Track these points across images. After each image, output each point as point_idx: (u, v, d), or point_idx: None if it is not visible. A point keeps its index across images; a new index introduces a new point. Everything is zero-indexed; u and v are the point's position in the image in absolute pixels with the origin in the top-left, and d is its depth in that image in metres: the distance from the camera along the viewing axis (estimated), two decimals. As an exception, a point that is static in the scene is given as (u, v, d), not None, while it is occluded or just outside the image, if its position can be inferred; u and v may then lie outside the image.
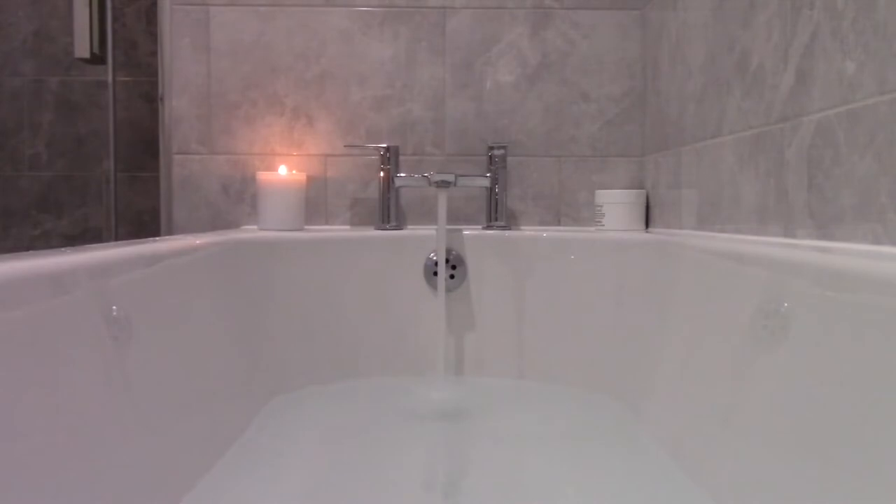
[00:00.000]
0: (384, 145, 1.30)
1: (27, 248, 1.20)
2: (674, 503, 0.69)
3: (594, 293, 1.14)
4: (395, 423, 0.96)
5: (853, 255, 0.60)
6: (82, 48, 1.51)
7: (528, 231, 1.29)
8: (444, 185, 1.16)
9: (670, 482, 0.72)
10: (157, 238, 0.96)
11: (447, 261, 1.20)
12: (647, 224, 1.32)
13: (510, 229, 1.29)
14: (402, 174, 1.27)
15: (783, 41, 0.82)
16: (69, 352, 0.55)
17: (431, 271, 1.20)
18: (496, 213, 1.30)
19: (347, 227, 1.38)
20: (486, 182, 1.27)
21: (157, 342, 0.72)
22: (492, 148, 1.30)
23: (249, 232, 1.21)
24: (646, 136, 1.37)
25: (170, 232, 1.37)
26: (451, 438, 0.93)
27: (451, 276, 1.20)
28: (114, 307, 0.63)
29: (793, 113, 0.80)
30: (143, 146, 1.69)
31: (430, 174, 1.17)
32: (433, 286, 1.19)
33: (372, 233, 1.26)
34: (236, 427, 0.88)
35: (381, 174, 1.30)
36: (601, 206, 1.31)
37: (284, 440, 0.87)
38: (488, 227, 1.30)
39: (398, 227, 1.31)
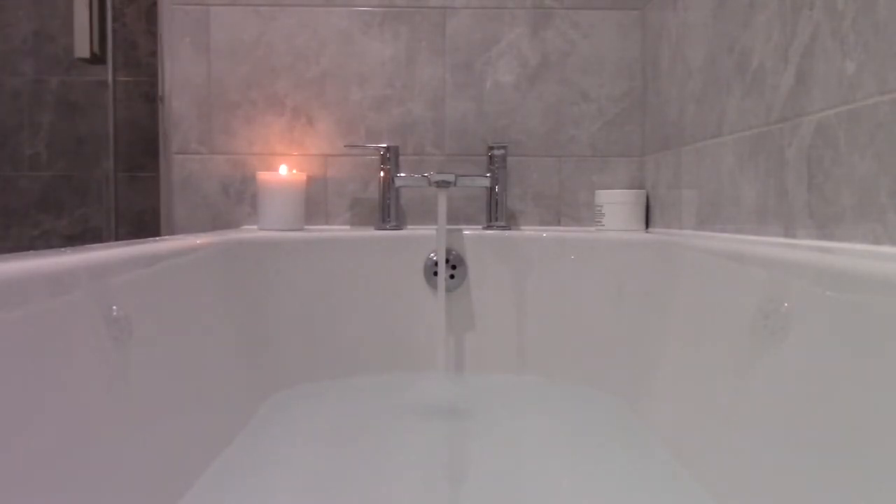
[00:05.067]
0: (384, 145, 1.30)
1: (27, 248, 1.20)
2: (674, 501, 0.69)
3: (594, 293, 1.14)
4: (395, 420, 0.96)
5: (853, 255, 0.60)
6: (82, 48, 1.51)
7: (528, 231, 1.29)
8: (444, 185, 1.16)
9: (671, 479, 0.72)
10: (157, 238, 0.96)
11: (447, 261, 1.20)
12: (647, 224, 1.32)
13: (510, 229, 1.29)
14: (402, 174, 1.27)
15: (783, 41, 0.82)
16: (69, 352, 0.55)
17: (431, 271, 1.20)
18: (496, 213, 1.30)
19: (347, 227, 1.38)
20: (486, 182, 1.27)
21: (157, 342, 0.72)
22: (492, 148, 1.30)
23: (249, 232, 1.21)
24: (646, 136, 1.37)
25: (170, 232, 1.37)
26: (452, 435, 0.93)
27: (451, 276, 1.20)
28: (114, 307, 0.63)
29: (793, 113, 0.80)
30: (143, 146, 1.69)
31: (430, 174, 1.17)
32: (433, 286, 1.19)
33: (372, 233, 1.26)
34: (235, 425, 0.88)
35: (381, 174, 1.30)
36: (601, 206, 1.31)
37: (284, 438, 0.87)
38: (488, 227, 1.30)
39: (398, 227, 1.30)
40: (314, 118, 1.37)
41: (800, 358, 0.58)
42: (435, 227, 1.19)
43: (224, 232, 1.21)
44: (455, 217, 1.36)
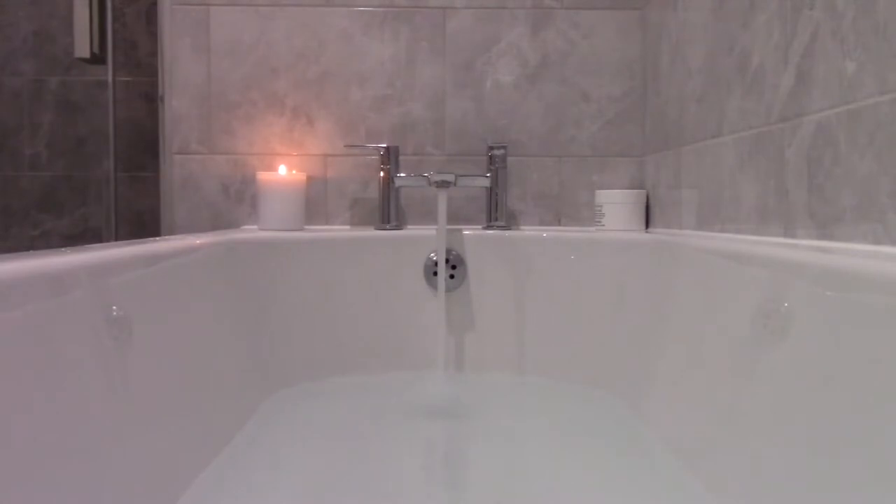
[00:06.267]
0: (384, 145, 1.30)
1: (27, 248, 1.20)
2: (675, 500, 0.69)
3: (594, 293, 1.14)
4: (394, 420, 0.96)
5: (853, 255, 0.60)
6: (82, 48, 1.51)
7: (528, 231, 1.29)
8: (444, 185, 1.16)
9: (671, 479, 0.72)
10: (157, 238, 0.96)
11: (447, 261, 1.20)
12: (647, 224, 1.32)
13: (510, 229, 1.29)
14: (402, 174, 1.27)
15: (783, 41, 0.82)
16: (69, 352, 0.55)
17: (431, 271, 1.20)
18: (496, 213, 1.30)
19: (347, 227, 1.38)
20: (486, 182, 1.27)
21: (157, 342, 0.72)
22: (492, 148, 1.30)
23: (249, 232, 1.21)
24: (646, 136, 1.37)
25: (170, 232, 1.37)
26: (452, 435, 0.93)
27: (451, 276, 1.20)
28: (114, 307, 0.63)
29: (793, 113, 0.80)
30: (143, 146, 1.69)
31: (430, 174, 1.17)
32: (433, 286, 1.19)
33: (372, 233, 1.26)
34: (235, 424, 0.88)
35: (381, 174, 1.30)
36: (601, 206, 1.31)
37: (283, 437, 0.87)
38: (488, 227, 1.30)
39: (398, 227, 1.30)
40: (314, 118, 1.37)
41: (800, 358, 0.58)
42: (435, 227, 1.19)
43: (224, 232, 1.21)
44: (455, 217, 1.36)
